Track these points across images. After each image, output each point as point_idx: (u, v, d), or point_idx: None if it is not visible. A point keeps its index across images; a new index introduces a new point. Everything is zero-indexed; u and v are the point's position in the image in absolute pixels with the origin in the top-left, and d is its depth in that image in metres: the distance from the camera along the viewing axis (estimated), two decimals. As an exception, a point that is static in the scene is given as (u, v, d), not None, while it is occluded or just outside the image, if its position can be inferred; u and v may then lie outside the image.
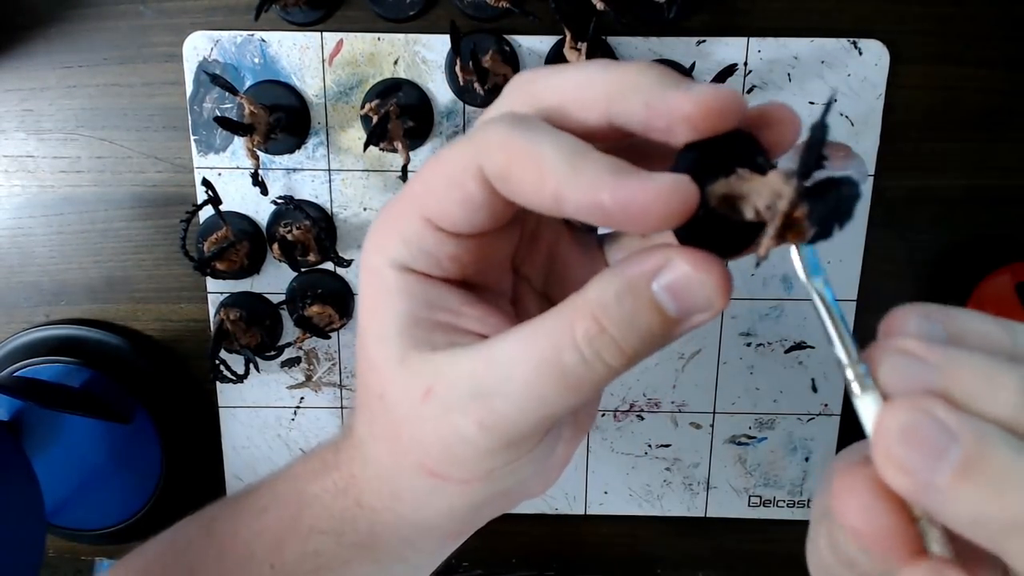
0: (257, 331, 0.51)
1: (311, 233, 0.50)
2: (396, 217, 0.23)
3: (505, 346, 0.21)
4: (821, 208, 0.18)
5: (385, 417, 0.23)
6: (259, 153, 0.48)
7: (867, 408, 0.18)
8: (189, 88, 0.49)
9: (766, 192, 0.18)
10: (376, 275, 0.23)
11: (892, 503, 0.17)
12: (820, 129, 0.18)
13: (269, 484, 0.30)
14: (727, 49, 0.48)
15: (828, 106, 0.18)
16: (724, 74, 0.46)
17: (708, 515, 0.57)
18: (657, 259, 0.19)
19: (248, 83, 0.49)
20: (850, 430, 0.54)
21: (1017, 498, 0.16)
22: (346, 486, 0.26)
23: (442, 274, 0.23)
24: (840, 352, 0.19)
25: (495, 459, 0.22)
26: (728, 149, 0.19)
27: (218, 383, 0.53)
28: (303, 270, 0.51)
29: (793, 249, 0.19)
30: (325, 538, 0.27)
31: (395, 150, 0.48)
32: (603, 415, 0.55)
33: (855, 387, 0.18)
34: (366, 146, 0.46)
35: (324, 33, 0.48)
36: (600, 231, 0.26)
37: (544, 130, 0.20)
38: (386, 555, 0.27)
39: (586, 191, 0.19)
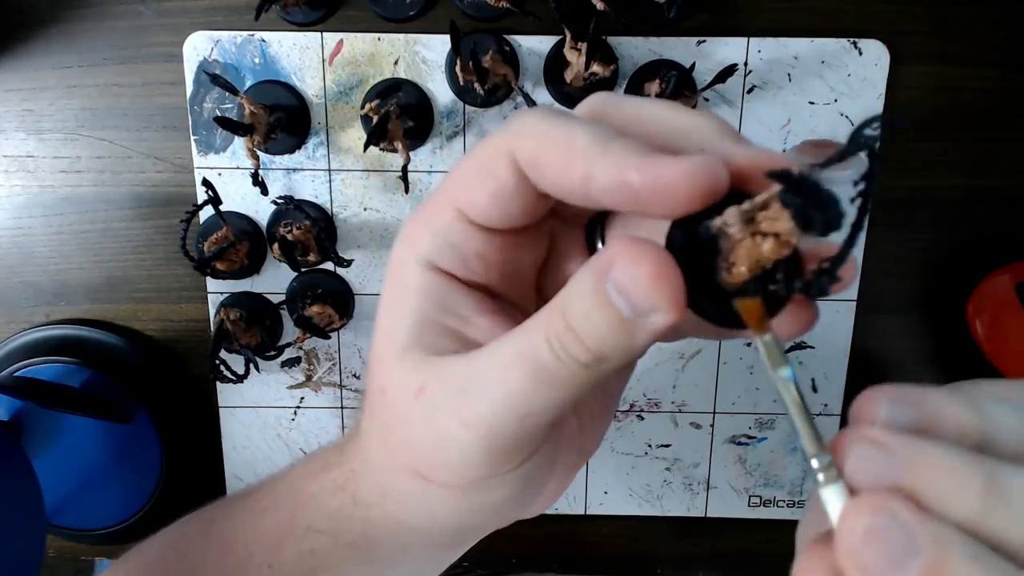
0: (257, 331, 0.51)
1: (311, 233, 0.50)
2: (429, 211, 0.23)
3: (491, 346, 0.21)
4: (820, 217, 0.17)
5: (383, 413, 0.23)
6: (259, 153, 0.48)
7: (832, 500, 0.18)
8: (189, 88, 0.49)
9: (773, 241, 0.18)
10: (400, 269, 0.23)
11: None
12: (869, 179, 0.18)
13: (269, 485, 0.30)
14: (727, 49, 0.48)
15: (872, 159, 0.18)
16: (724, 74, 0.46)
17: (708, 515, 0.57)
18: (610, 252, 0.19)
19: (248, 83, 0.49)
20: (850, 430, 0.54)
21: None
22: (344, 482, 0.26)
23: (467, 274, 0.23)
24: (805, 443, 0.18)
25: (481, 466, 0.22)
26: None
27: (218, 383, 0.53)
28: (303, 270, 0.51)
29: (759, 341, 0.19)
30: (321, 537, 0.27)
31: (395, 150, 0.48)
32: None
33: (820, 477, 0.18)
34: (366, 146, 0.46)
35: (324, 33, 0.48)
36: None
37: (576, 118, 0.20)
38: (378, 558, 0.27)
39: (615, 170, 0.19)
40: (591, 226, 0.24)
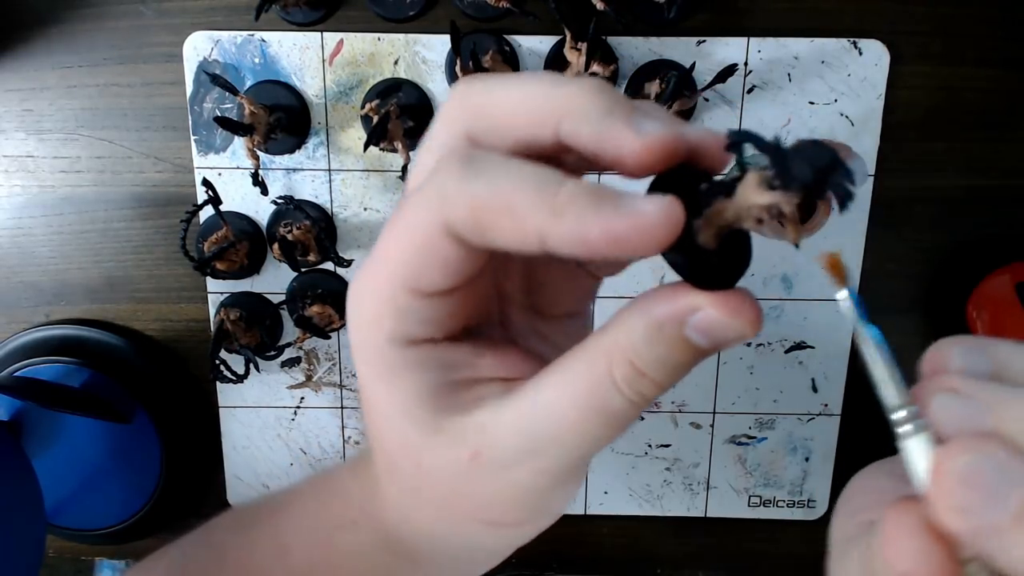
0: (257, 331, 0.51)
1: (311, 233, 0.50)
2: (379, 291, 0.21)
3: (546, 398, 0.21)
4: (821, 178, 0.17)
5: (429, 482, 0.23)
6: (259, 153, 0.48)
7: (918, 450, 0.18)
8: (189, 88, 0.49)
9: (748, 204, 0.18)
10: (377, 355, 0.22)
11: (944, 547, 0.17)
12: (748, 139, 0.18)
13: (284, 516, 0.29)
14: (727, 49, 0.48)
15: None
16: (724, 74, 0.46)
17: (708, 515, 0.57)
18: (686, 304, 0.19)
19: (248, 83, 0.49)
20: (850, 430, 0.55)
21: None
22: (385, 539, 0.26)
23: (445, 334, 0.22)
24: (887, 395, 0.19)
25: (552, 497, 0.23)
26: (686, 182, 0.19)
27: (218, 383, 0.53)
28: (303, 270, 0.51)
29: (843, 295, 0.19)
30: None
31: (395, 150, 0.48)
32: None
33: (907, 428, 0.18)
34: (366, 146, 0.46)
35: (324, 33, 0.48)
36: None
37: (501, 170, 0.19)
38: None
39: (571, 231, 0.18)
40: None
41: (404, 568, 0.26)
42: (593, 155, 0.20)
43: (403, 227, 0.21)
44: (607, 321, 0.21)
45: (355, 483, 0.28)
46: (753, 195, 0.18)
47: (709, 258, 0.19)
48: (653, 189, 0.19)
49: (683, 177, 0.19)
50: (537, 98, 0.20)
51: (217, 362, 0.49)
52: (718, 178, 0.19)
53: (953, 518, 0.17)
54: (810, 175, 0.17)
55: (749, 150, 0.19)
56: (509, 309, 0.25)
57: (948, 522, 0.17)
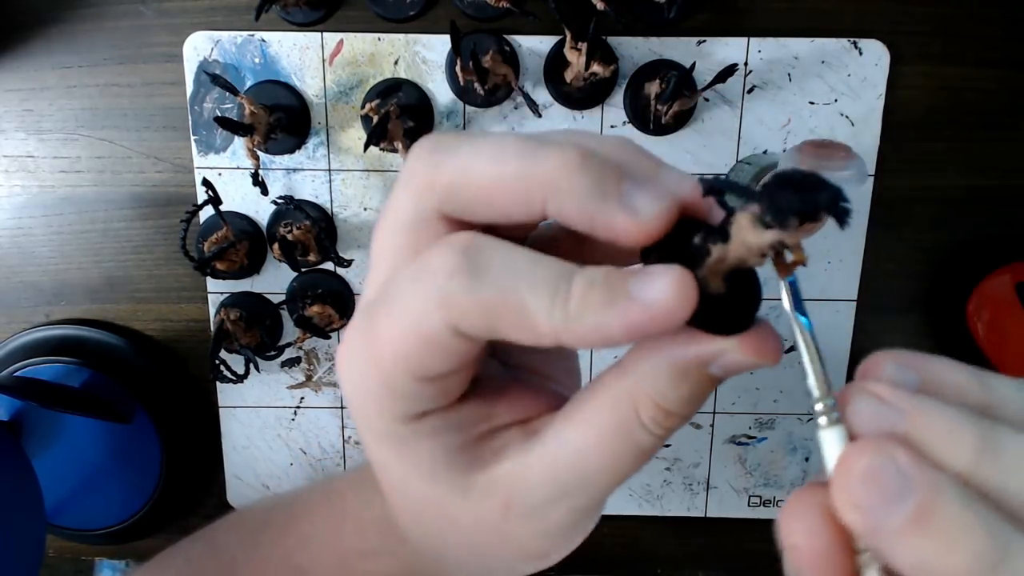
0: (257, 331, 0.51)
1: (311, 233, 0.50)
2: (380, 376, 0.21)
3: (574, 442, 0.21)
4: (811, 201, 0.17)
5: (461, 534, 0.23)
6: (259, 153, 0.48)
7: (831, 442, 0.19)
8: (189, 88, 0.49)
9: (747, 245, 0.18)
10: (385, 430, 0.22)
11: (836, 532, 0.18)
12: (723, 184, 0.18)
13: (296, 532, 0.29)
14: (727, 49, 0.48)
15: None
16: (724, 74, 0.46)
17: (708, 515, 0.57)
18: (711, 349, 0.20)
19: (248, 83, 0.49)
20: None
21: (962, 553, 0.16)
22: (411, 571, 0.27)
23: (452, 400, 0.22)
24: (813, 384, 0.19)
25: (583, 526, 0.24)
26: (681, 237, 0.19)
27: (218, 383, 0.53)
28: (303, 270, 0.51)
29: (782, 283, 0.19)
30: None
31: (395, 150, 0.48)
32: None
33: (823, 420, 0.19)
34: (366, 146, 0.46)
35: (324, 33, 0.48)
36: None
37: (509, 268, 0.19)
38: None
39: (591, 332, 0.18)
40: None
41: None
42: (584, 231, 0.19)
43: (405, 320, 0.20)
44: (623, 358, 0.21)
45: (367, 511, 0.28)
46: (750, 236, 0.18)
47: (721, 305, 0.19)
48: (649, 251, 0.19)
49: (678, 233, 0.19)
50: (515, 178, 0.19)
51: (217, 362, 0.49)
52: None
53: (849, 513, 0.18)
54: (799, 204, 0.17)
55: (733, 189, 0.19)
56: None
57: (844, 515, 0.18)
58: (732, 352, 0.19)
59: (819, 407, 0.19)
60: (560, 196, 0.19)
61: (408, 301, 0.20)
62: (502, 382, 0.23)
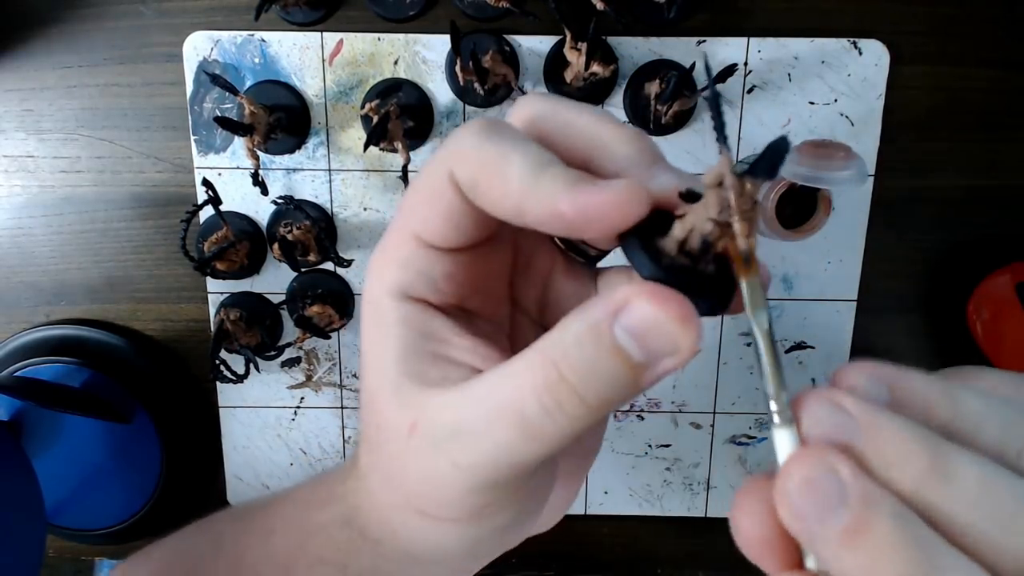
0: (257, 331, 0.51)
1: (311, 233, 0.50)
2: (390, 243, 0.23)
3: (480, 387, 0.20)
4: (761, 169, 0.18)
5: (380, 450, 0.23)
6: (259, 153, 0.48)
7: (782, 442, 0.19)
8: (189, 88, 0.49)
9: (713, 199, 0.19)
10: (375, 305, 0.23)
11: (779, 525, 0.18)
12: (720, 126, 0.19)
13: (277, 505, 0.30)
14: (727, 49, 0.48)
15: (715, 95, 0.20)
16: (724, 74, 0.46)
17: (708, 515, 0.57)
18: (618, 298, 0.18)
19: (248, 83, 0.49)
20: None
21: (890, 571, 0.16)
22: (350, 517, 0.26)
23: (439, 298, 0.23)
24: (769, 384, 0.19)
25: (477, 499, 0.21)
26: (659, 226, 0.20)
27: (218, 383, 0.53)
28: (303, 270, 0.51)
29: (743, 282, 0.19)
30: (330, 569, 0.27)
31: (395, 150, 0.48)
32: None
33: (776, 418, 0.19)
34: (366, 146, 0.46)
35: (324, 33, 0.48)
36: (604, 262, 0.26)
37: (513, 139, 0.21)
38: None
39: (546, 203, 0.19)
40: None
41: (364, 550, 0.26)
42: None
43: (419, 178, 0.22)
44: None
45: (339, 467, 0.28)
46: (710, 198, 0.19)
47: (667, 257, 0.19)
48: (625, 236, 0.20)
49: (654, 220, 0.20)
50: (588, 123, 0.22)
51: (217, 362, 0.49)
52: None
53: (785, 516, 0.18)
54: (735, 164, 0.18)
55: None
56: (521, 321, 0.26)
57: (782, 518, 0.18)
58: (636, 301, 0.18)
59: (772, 405, 0.19)
60: (612, 158, 0.21)
61: (430, 162, 0.22)
62: (483, 334, 0.23)
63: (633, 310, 0.18)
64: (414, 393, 0.22)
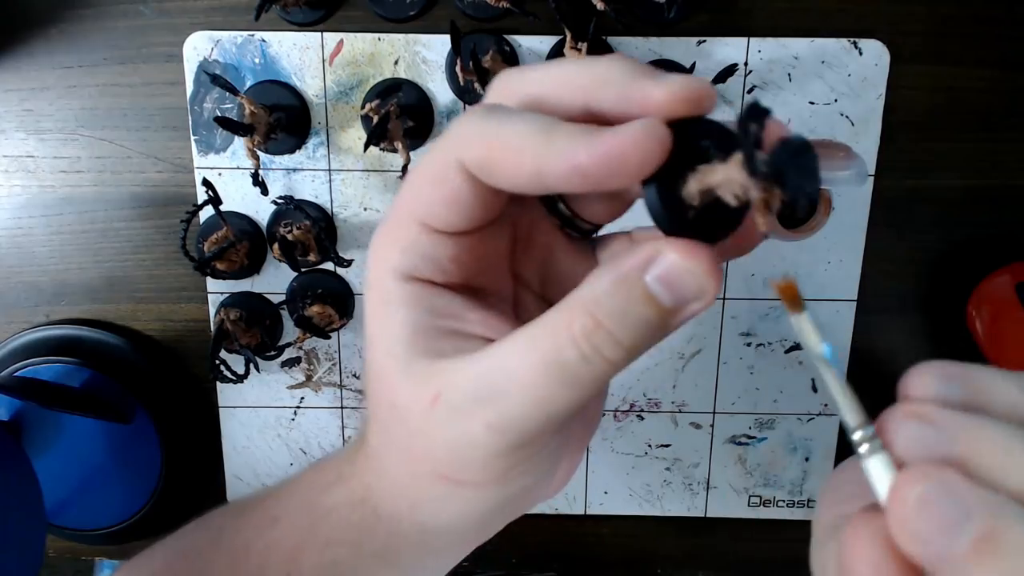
0: (257, 331, 0.51)
1: (311, 233, 0.50)
2: (393, 227, 0.23)
3: (508, 348, 0.21)
4: (789, 178, 0.18)
5: (398, 427, 0.24)
6: (259, 153, 0.48)
7: (877, 470, 0.18)
8: (189, 88, 0.49)
9: (730, 183, 0.19)
10: (379, 287, 0.23)
11: (902, 561, 0.18)
12: (753, 110, 0.18)
13: (276, 495, 0.30)
14: (727, 49, 0.48)
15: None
16: (724, 74, 0.46)
17: (708, 515, 0.57)
18: (647, 252, 0.20)
19: (248, 83, 0.49)
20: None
21: None
22: (363, 497, 0.26)
23: (444, 278, 0.23)
24: (846, 416, 0.19)
25: (506, 460, 0.22)
26: (695, 134, 0.20)
27: (218, 383, 0.53)
28: (303, 270, 0.51)
29: (795, 320, 0.19)
30: (343, 549, 0.27)
31: (395, 150, 0.48)
32: (603, 415, 0.55)
33: (863, 448, 0.18)
34: (366, 146, 0.46)
35: (324, 33, 0.48)
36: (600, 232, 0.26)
37: (514, 113, 0.21)
38: (405, 562, 0.27)
39: (564, 157, 0.19)
40: (548, 199, 0.25)
41: (378, 528, 0.26)
42: (621, 117, 0.20)
43: (422, 164, 0.22)
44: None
45: (343, 451, 0.29)
46: (733, 172, 0.18)
47: (688, 210, 0.19)
48: (648, 180, 0.20)
49: (695, 129, 0.20)
50: (567, 75, 0.21)
51: (217, 362, 0.49)
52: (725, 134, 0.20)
53: (908, 543, 0.17)
54: (770, 171, 0.18)
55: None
56: (524, 295, 0.26)
57: (905, 548, 0.17)
58: (667, 253, 0.19)
59: (857, 436, 0.18)
60: (602, 83, 0.21)
61: (431, 151, 0.22)
62: (491, 307, 0.24)
63: (663, 261, 0.19)
64: (430, 367, 0.22)
